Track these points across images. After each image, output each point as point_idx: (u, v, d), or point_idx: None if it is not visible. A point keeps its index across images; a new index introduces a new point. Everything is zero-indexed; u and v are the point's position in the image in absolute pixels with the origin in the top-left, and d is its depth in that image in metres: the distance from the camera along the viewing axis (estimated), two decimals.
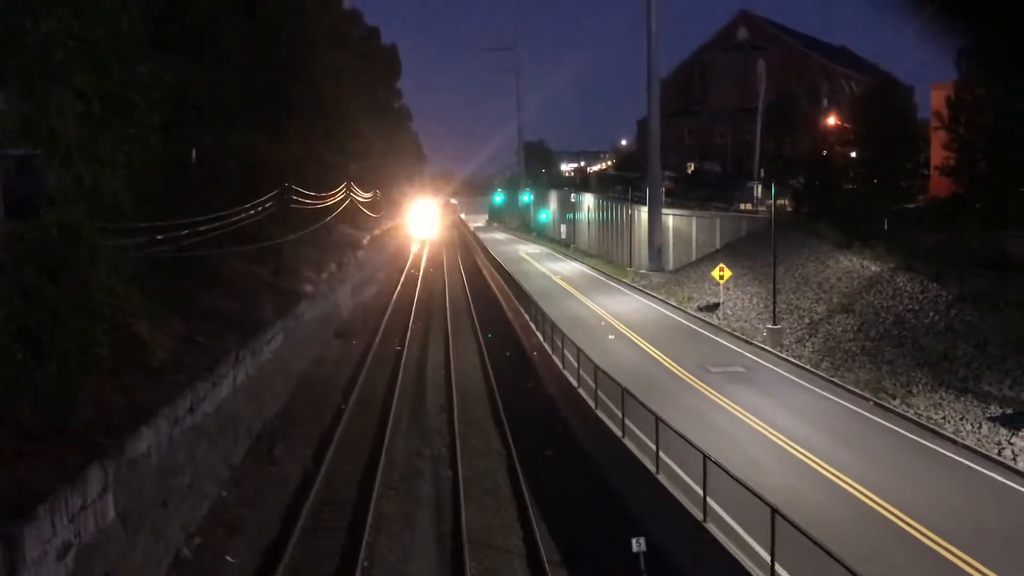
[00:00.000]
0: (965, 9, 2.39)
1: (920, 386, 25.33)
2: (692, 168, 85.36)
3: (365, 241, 63.37)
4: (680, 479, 17.99)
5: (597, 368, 24.49)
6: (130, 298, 17.21)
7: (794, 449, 21.00)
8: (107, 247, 16.49)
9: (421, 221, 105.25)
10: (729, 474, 15.32)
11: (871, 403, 25.13)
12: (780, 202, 43.66)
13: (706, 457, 15.92)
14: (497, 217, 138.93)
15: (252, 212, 28.52)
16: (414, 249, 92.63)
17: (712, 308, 41.17)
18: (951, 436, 21.71)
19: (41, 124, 16.02)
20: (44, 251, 14.70)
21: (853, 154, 51.19)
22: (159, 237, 21.30)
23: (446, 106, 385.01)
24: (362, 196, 59.14)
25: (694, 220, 57.42)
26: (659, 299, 46.85)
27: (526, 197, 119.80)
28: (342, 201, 48.69)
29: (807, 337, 32.83)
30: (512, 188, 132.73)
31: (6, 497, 11.82)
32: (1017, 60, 2.50)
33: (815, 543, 11.99)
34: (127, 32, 17.62)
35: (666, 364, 31.11)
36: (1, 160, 11.95)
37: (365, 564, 17.39)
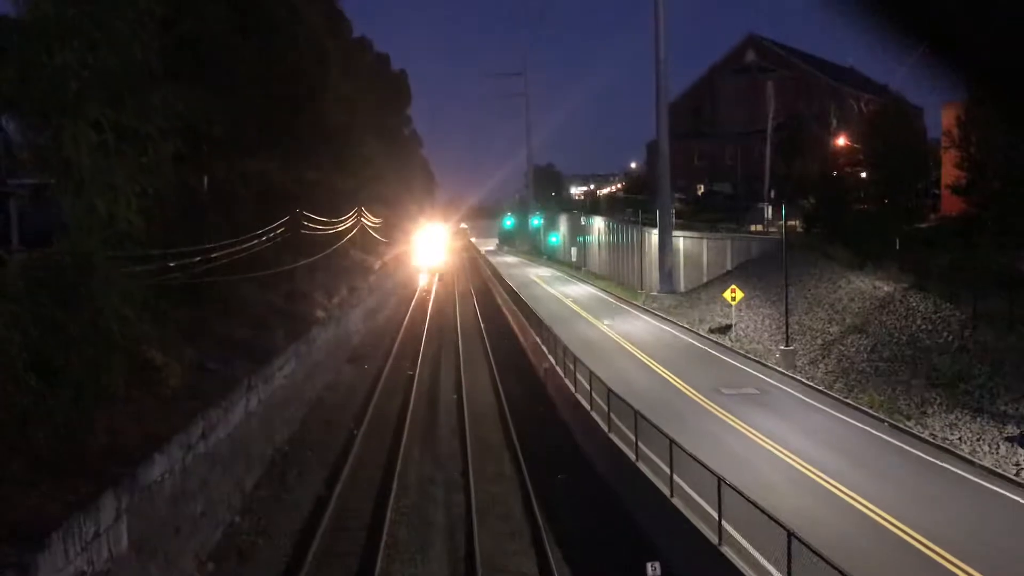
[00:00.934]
0: (953, 52, 2.40)
1: (935, 406, 25.11)
2: (702, 190, 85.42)
3: (376, 266, 63.55)
4: (695, 502, 17.83)
5: (610, 391, 24.39)
6: (143, 325, 17.29)
7: (809, 471, 20.79)
8: (120, 275, 16.60)
9: (432, 247, 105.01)
10: (745, 497, 15.19)
11: (886, 424, 24.90)
12: (791, 223, 43.56)
13: (721, 480, 15.79)
14: (507, 240, 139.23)
15: (264, 239, 28.71)
16: (424, 274, 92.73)
17: (724, 330, 41.00)
18: (967, 457, 21.47)
19: (56, 154, 16.21)
20: (58, 279, 14.80)
21: (863, 174, 51.11)
22: (172, 264, 21.44)
23: (457, 132, 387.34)
24: (373, 222, 59.45)
25: (705, 242, 57.35)
26: (671, 321, 46.70)
27: (536, 220, 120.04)
28: (353, 227, 48.97)
29: (820, 358, 32.64)
30: (522, 212, 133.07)
31: (20, 525, 11.83)
32: (1010, 101, 2.50)
33: (833, 567, 11.85)
34: (140, 62, 17.84)
35: (679, 386, 30.95)
36: (16, 190, 12.11)
37: None
